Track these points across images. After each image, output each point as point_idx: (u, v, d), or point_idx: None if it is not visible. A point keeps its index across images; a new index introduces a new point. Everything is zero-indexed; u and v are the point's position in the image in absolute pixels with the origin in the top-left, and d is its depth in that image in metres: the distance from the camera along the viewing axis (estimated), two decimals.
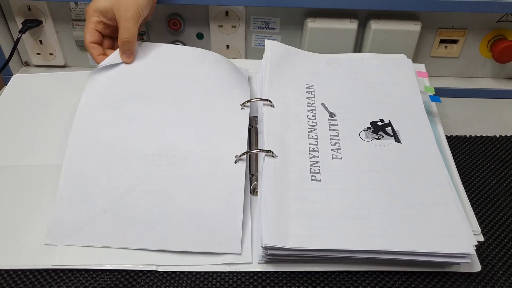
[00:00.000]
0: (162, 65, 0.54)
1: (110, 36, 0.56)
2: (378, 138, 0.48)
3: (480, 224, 0.45)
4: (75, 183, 0.44)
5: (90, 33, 0.53)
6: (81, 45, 0.68)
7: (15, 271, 0.40)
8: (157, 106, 0.50)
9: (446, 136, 0.56)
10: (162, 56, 0.55)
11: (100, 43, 0.54)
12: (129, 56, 0.53)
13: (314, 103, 0.52)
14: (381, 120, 0.50)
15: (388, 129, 0.49)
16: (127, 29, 0.52)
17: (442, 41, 0.65)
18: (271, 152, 0.45)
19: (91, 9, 0.53)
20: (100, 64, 0.52)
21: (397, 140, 0.48)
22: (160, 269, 0.41)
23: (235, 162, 0.46)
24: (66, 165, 0.45)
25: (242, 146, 0.47)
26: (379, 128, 0.49)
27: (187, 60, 0.55)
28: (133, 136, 0.47)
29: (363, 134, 0.49)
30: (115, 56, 0.53)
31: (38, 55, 0.69)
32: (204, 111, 0.50)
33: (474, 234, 0.43)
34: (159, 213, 0.43)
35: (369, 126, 0.50)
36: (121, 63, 0.53)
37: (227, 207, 0.43)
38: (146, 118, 0.49)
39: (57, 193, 0.44)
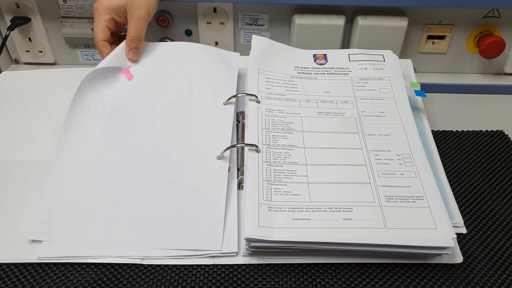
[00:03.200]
0: (147, 68, 0.55)
1: (115, 34, 0.57)
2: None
3: (463, 216, 0.46)
4: (62, 183, 0.44)
5: (102, 30, 0.53)
6: (70, 42, 0.68)
7: None
8: (142, 116, 0.50)
9: (433, 131, 0.57)
10: (148, 57, 0.56)
11: (109, 41, 0.55)
12: (136, 54, 0.54)
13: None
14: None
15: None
16: (137, 27, 0.53)
17: (429, 37, 0.66)
18: (255, 146, 0.45)
19: (103, 7, 0.53)
20: (100, 65, 0.52)
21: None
22: (145, 262, 0.41)
23: (218, 158, 0.46)
24: (56, 165, 0.46)
25: (226, 143, 0.47)
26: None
27: (172, 57, 0.56)
28: (121, 145, 0.48)
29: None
30: (114, 57, 0.53)
31: (28, 53, 0.69)
32: (187, 113, 0.50)
33: (457, 227, 0.44)
34: (143, 211, 0.43)
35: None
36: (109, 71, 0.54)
37: (209, 203, 0.43)
38: (132, 128, 0.49)
39: (44, 190, 0.44)
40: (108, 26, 0.53)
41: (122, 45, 0.55)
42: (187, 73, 0.55)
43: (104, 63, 0.52)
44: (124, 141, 0.48)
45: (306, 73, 0.55)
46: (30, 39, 0.68)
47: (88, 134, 0.49)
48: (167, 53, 0.57)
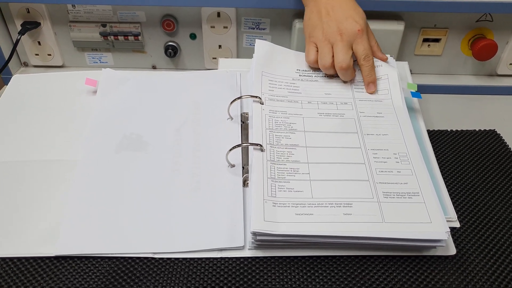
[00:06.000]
0: (152, 97, 0.58)
1: None
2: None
3: (457, 212, 0.48)
4: (84, 195, 0.47)
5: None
6: (78, 45, 0.70)
7: (19, 259, 0.43)
8: (159, 135, 0.53)
9: (428, 130, 0.59)
10: (157, 85, 0.60)
11: None
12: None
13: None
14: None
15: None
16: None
17: (425, 40, 0.68)
18: (260, 145, 0.48)
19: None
20: None
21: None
22: (157, 256, 0.43)
23: (228, 164, 0.49)
24: (76, 177, 0.49)
25: (236, 152, 0.50)
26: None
27: (178, 84, 0.60)
28: (137, 161, 0.50)
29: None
30: None
31: (37, 56, 0.71)
32: (196, 130, 0.54)
33: (451, 221, 0.46)
34: (164, 218, 0.45)
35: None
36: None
37: (227, 207, 0.46)
38: (146, 147, 0.52)
39: (66, 205, 0.46)
40: None
41: None
42: (193, 98, 0.58)
43: None
44: (140, 157, 0.51)
45: (307, 75, 0.58)
46: (39, 42, 0.70)
47: (105, 154, 0.51)
48: (174, 81, 0.60)
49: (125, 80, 0.60)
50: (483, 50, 0.65)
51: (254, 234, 0.41)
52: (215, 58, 0.71)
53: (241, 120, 0.55)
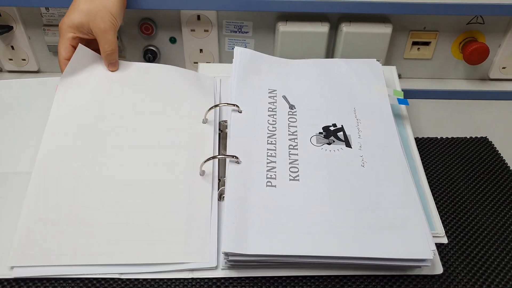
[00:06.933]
0: (123, 86, 0.54)
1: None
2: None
3: (445, 226, 0.46)
4: (40, 204, 0.44)
5: (65, 49, 0.53)
6: (53, 50, 0.67)
7: None
8: (122, 133, 0.50)
9: (418, 138, 0.57)
10: (123, 76, 0.55)
11: None
12: (115, 65, 0.55)
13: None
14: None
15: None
16: (108, 41, 0.53)
17: (414, 43, 0.66)
18: (236, 157, 0.45)
19: (65, 25, 0.52)
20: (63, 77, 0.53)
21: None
22: (123, 276, 0.41)
23: (200, 174, 0.46)
24: (32, 186, 0.45)
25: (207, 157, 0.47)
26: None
27: (150, 78, 0.56)
28: (100, 163, 0.47)
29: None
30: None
31: (11, 61, 0.69)
32: (166, 131, 0.50)
33: (438, 237, 0.44)
34: (131, 236, 0.42)
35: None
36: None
37: (195, 218, 0.43)
38: (113, 145, 0.48)
39: (21, 215, 0.43)
40: (71, 44, 0.53)
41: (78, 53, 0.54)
42: (163, 94, 0.54)
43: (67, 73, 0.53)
44: (102, 160, 0.47)
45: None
46: (12, 47, 0.67)
47: (64, 155, 0.48)
48: (143, 74, 0.56)
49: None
50: (474, 54, 0.63)
51: (226, 254, 0.39)
52: (196, 63, 0.68)
53: (220, 129, 0.52)
